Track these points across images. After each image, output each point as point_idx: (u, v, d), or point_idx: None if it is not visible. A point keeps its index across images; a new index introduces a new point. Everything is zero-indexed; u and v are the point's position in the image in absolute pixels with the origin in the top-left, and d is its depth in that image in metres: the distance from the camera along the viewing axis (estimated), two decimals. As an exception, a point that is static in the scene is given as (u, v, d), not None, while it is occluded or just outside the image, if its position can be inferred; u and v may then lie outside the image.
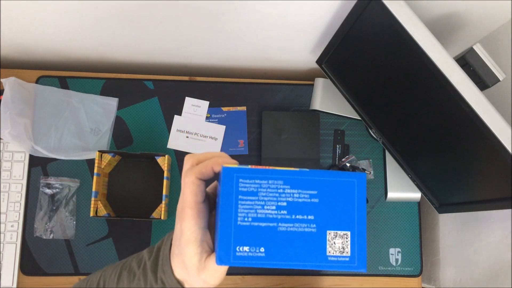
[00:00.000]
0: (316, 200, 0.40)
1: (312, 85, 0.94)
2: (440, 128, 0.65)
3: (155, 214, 0.83)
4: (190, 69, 1.00)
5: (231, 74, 1.02)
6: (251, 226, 0.40)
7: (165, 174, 0.83)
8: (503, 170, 0.58)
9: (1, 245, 0.84)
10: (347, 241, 0.40)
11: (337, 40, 0.73)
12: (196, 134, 0.91)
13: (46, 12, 0.73)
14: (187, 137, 0.90)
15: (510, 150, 0.55)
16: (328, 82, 0.87)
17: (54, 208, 0.86)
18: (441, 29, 0.73)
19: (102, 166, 0.83)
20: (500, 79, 0.60)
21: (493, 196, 0.63)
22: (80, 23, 0.77)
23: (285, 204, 0.40)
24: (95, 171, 0.81)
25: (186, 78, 0.95)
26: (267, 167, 0.41)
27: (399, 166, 0.82)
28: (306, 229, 0.39)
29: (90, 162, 0.88)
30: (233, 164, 0.43)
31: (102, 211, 0.82)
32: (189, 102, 0.92)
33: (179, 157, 0.90)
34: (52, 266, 0.85)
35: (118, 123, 0.91)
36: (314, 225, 0.40)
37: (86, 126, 0.89)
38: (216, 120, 0.92)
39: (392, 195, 0.90)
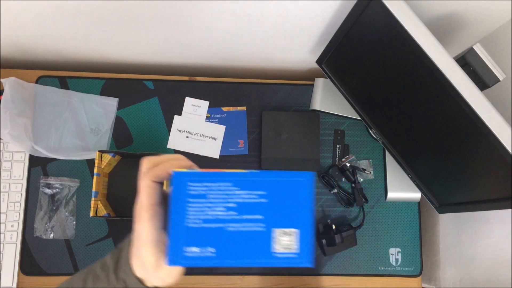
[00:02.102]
0: (265, 200, 0.41)
1: (312, 85, 0.94)
2: (440, 128, 0.65)
3: (155, 214, 0.83)
4: (190, 69, 1.00)
5: (231, 74, 1.02)
6: (200, 228, 0.41)
7: (165, 174, 0.83)
8: (503, 170, 0.58)
9: (1, 245, 0.84)
10: (294, 239, 0.41)
11: (337, 40, 0.73)
12: (196, 134, 0.91)
13: (46, 12, 0.73)
14: (187, 137, 0.90)
15: (510, 150, 0.55)
16: (328, 82, 0.87)
17: (54, 208, 0.86)
18: (441, 29, 0.73)
19: (102, 166, 0.83)
20: (500, 79, 0.60)
21: (493, 196, 0.63)
22: (80, 23, 0.77)
23: (234, 205, 0.41)
24: (95, 171, 0.81)
25: (186, 78, 0.95)
26: (217, 170, 0.42)
27: (399, 166, 0.82)
28: (254, 228, 0.41)
29: (90, 162, 0.88)
30: (190, 167, 0.44)
31: (102, 211, 0.82)
32: (189, 102, 0.92)
33: (179, 157, 0.90)
34: (52, 266, 0.85)
35: (118, 123, 0.91)
36: (263, 224, 0.41)
37: (86, 126, 0.89)
38: (216, 120, 0.92)
39: (392, 195, 0.90)
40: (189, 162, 0.45)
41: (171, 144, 0.90)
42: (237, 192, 0.41)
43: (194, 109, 0.91)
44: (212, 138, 0.91)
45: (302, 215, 0.42)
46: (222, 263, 0.41)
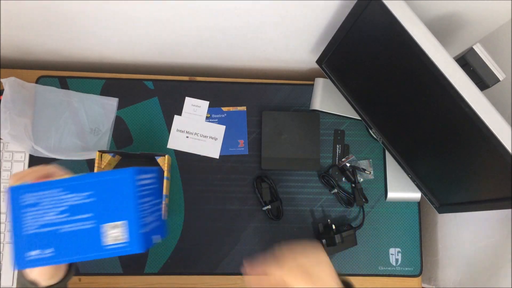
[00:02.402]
0: (93, 199, 0.47)
1: (312, 85, 0.94)
2: (440, 128, 0.65)
3: (155, 214, 0.83)
4: (190, 69, 1.00)
5: (231, 74, 1.02)
6: (37, 233, 0.47)
7: (165, 174, 0.83)
8: (503, 170, 0.58)
9: (1, 245, 0.84)
10: (123, 230, 0.47)
11: (337, 40, 0.73)
12: (196, 134, 0.91)
13: (46, 12, 0.73)
14: (187, 137, 0.90)
15: (510, 150, 0.55)
16: (328, 82, 0.87)
17: (54, 208, 0.86)
18: (441, 29, 0.73)
19: (102, 166, 0.83)
20: (500, 79, 0.60)
21: (493, 196, 0.63)
22: (80, 23, 0.77)
23: (66, 208, 0.47)
24: (95, 171, 0.81)
25: (186, 78, 0.95)
26: (48, 179, 0.49)
27: (399, 166, 0.82)
28: (85, 226, 0.47)
29: (90, 162, 0.88)
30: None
31: (102, 211, 0.82)
32: (189, 102, 0.92)
33: (179, 157, 0.90)
34: (52, 266, 0.85)
35: (118, 123, 0.91)
36: (93, 221, 0.47)
37: (86, 126, 0.89)
38: (216, 120, 0.92)
39: (392, 195, 0.90)
40: (51, 170, 0.51)
41: (171, 144, 0.90)
42: (67, 196, 0.47)
43: (194, 109, 0.91)
44: (212, 138, 0.91)
45: (127, 208, 0.47)
46: (61, 260, 0.48)
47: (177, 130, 0.90)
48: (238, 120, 0.92)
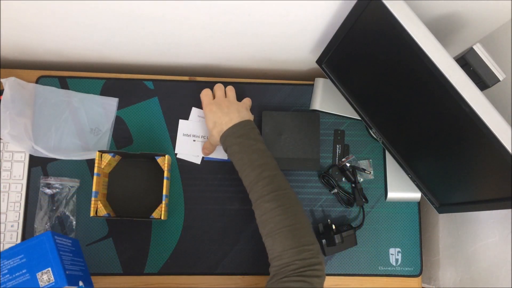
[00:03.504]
0: (24, 260, 0.68)
1: (312, 85, 0.94)
2: (440, 128, 0.65)
3: (155, 214, 0.83)
4: (190, 69, 1.00)
5: (231, 74, 1.02)
6: None
7: (165, 174, 0.83)
8: (503, 170, 0.58)
9: (1, 245, 0.84)
10: (50, 273, 0.68)
11: (337, 40, 0.73)
12: (203, 137, 0.91)
13: (46, 12, 0.73)
14: (194, 140, 0.90)
15: (510, 150, 0.55)
16: (328, 82, 0.87)
17: (54, 208, 0.86)
18: (441, 29, 0.73)
19: (102, 166, 0.83)
20: (500, 79, 0.60)
21: (493, 196, 0.63)
22: (80, 23, 0.77)
23: (7, 271, 0.67)
24: (95, 171, 0.81)
25: (186, 78, 0.95)
26: None
27: (399, 166, 0.82)
28: (24, 279, 0.67)
29: (90, 162, 0.88)
30: None
31: (102, 211, 0.82)
32: (195, 113, 0.92)
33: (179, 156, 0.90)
34: (52, 266, 0.85)
35: (118, 123, 0.91)
36: (28, 274, 0.67)
37: (86, 126, 0.89)
38: None
39: (392, 195, 0.90)
40: None
41: (178, 149, 0.90)
42: (6, 262, 0.68)
43: (200, 119, 0.91)
44: None
45: (50, 259, 0.68)
46: None
47: (184, 135, 0.90)
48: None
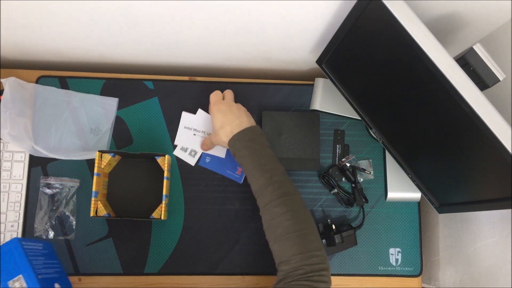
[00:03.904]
0: None
1: (312, 85, 0.94)
2: (440, 128, 0.65)
3: (155, 214, 0.83)
4: (190, 69, 1.00)
5: (231, 74, 1.02)
6: None
7: (165, 174, 0.83)
8: (503, 170, 0.58)
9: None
10: (22, 280, 0.69)
11: (337, 40, 0.73)
12: (203, 132, 0.91)
13: (46, 12, 0.73)
14: (194, 134, 0.90)
15: (510, 150, 0.55)
16: (328, 82, 0.87)
17: (54, 208, 0.86)
18: (441, 29, 0.73)
19: (102, 166, 0.83)
20: (500, 79, 0.60)
21: (493, 196, 0.63)
22: (80, 23, 0.77)
23: None
24: (95, 171, 0.81)
25: (186, 78, 0.95)
26: None
27: (399, 166, 0.82)
28: None
29: (90, 162, 0.88)
30: None
31: (102, 211, 0.82)
32: (199, 113, 0.92)
33: (179, 157, 0.90)
34: (52, 266, 0.85)
35: (118, 123, 0.91)
36: (1, 283, 0.68)
37: (86, 126, 0.89)
38: None
39: (392, 195, 0.90)
40: None
41: (178, 141, 0.90)
42: None
43: (202, 116, 0.92)
44: None
45: (20, 266, 0.69)
46: None
47: (185, 127, 0.90)
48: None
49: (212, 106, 0.81)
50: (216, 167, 0.90)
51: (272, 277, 0.88)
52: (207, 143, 0.86)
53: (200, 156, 0.90)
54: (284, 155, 0.90)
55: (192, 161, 0.90)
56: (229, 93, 0.84)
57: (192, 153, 0.90)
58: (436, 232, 0.95)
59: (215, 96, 0.82)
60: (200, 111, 0.92)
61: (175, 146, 0.90)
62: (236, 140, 0.75)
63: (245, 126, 0.76)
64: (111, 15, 0.73)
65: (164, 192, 0.83)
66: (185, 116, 0.91)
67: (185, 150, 0.90)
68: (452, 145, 0.65)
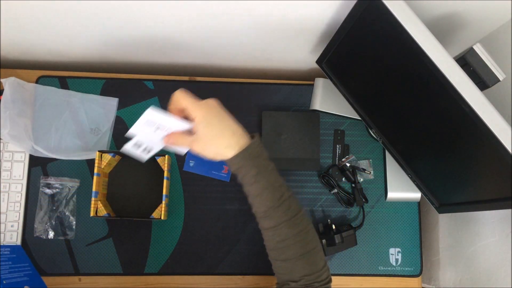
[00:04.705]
0: None
1: (312, 85, 0.94)
2: (440, 128, 0.65)
3: (155, 214, 0.83)
4: (190, 69, 1.00)
5: (231, 74, 1.02)
6: None
7: (165, 174, 0.83)
8: (503, 170, 0.58)
9: (1, 244, 0.84)
10: None
11: (337, 40, 0.73)
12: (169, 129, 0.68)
13: (46, 12, 0.73)
14: (156, 131, 0.69)
15: (510, 150, 0.55)
16: (328, 82, 0.87)
17: (54, 208, 0.86)
18: (441, 29, 0.73)
19: (102, 166, 0.83)
20: (500, 79, 0.60)
21: (493, 196, 0.63)
22: (80, 23, 0.77)
23: None
24: (95, 171, 0.81)
25: (186, 78, 0.95)
26: None
27: (399, 166, 0.82)
28: None
29: (90, 162, 0.88)
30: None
31: (102, 211, 0.82)
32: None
33: (179, 157, 0.90)
34: (52, 266, 0.85)
35: (118, 123, 0.91)
36: None
37: (86, 126, 0.89)
38: None
39: (392, 195, 0.90)
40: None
41: (133, 134, 0.69)
42: None
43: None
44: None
45: None
46: None
47: (147, 122, 0.68)
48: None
49: (194, 108, 0.63)
50: (201, 169, 0.89)
51: (272, 277, 0.88)
52: (178, 141, 0.67)
53: (184, 161, 0.89)
54: (284, 155, 0.90)
55: (143, 158, 0.74)
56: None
57: (146, 151, 0.73)
58: (436, 232, 0.95)
59: (186, 95, 0.65)
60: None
61: (126, 140, 0.71)
62: (241, 160, 0.62)
63: (247, 137, 0.64)
64: (111, 15, 0.73)
65: (164, 192, 0.83)
66: (152, 112, 0.67)
67: (139, 146, 0.72)
68: (452, 145, 0.65)
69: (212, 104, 0.64)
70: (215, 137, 0.62)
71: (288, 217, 0.63)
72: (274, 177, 0.64)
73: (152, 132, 0.70)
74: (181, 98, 0.65)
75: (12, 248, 0.79)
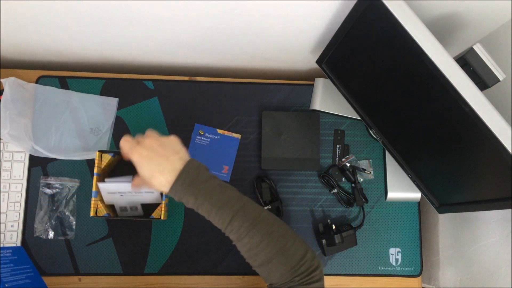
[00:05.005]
0: None
1: (312, 85, 0.94)
2: (440, 128, 0.65)
3: (155, 214, 0.83)
4: (190, 69, 1.00)
5: (231, 74, 1.02)
6: None
7: (165, 174, 0.83)
8: (503, 170, 0.58)
9: (1, 245, 0.84)
10: None
11: (337, 40, 0.73)
12: (130, 193, 0.80)
13: (46, 12, 0.73)
14: (122, 195, 0.81)
15: (510, 150, 0.55)
16: (328, 82, 0.87)
17: (54, 208, 0.86)
18: (441, 29, 0.73)
19: (102, 166, 0.83)
20: (500, 79, 0.60)
21: (493, 196, 0.63)
22: (80, 23, 0.77)
23: None
24: (95, 171, 0.81)
25: (186, 78, 0.95)
26: None
27: (399, 166, 0.82)
28: None
29: (90, 162, 0.88)
30: None
31: (102, 211, 0.82)
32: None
33: (179, 157, 0.90)
34: (52, 266, 0.85)
35: (118, 123, 0.91)
36: None
37: (86, 126, 0.89)
38: (208, 140, 0.91)
39: (392, 195, 0.90)
40: None
41: (109, 203, 0.82)
42: None
43: (121, 182, 0.79)
44: (149, 192, 0.81)
45: None
46: None
47: (109, 193, 0.79)
48: (230, 146, 0.91)
49: (130, 155, 0.66)
50: None
51: (272, 277, 0.88)
52: (139, 184, 0.72)
53: None
54: (284, 155, 0.90)
55: (138, 214, 0.84)
56: (149, 131, 0.69)
57: (133, 208, 0.83)
58: (436, 232, 0.95)
59: (125, 142, 0.67)
60: (111, 180, 0.80)
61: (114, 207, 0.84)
62: (177, 191, 0.64)
63: (179, 167, 0.64)
64: (111, 15, 0.73)
65: (164, 192, 0.83)
66: (104, 186, 0.79)
67: (125, 209, 0.83)
68: (452, 145, 0.65)
69: (145, 144, 0.66)
70: (150, 177, 0.65)
71: (246, 227, 0.63)
72: (217, 196, 0.64)
73: (120, 198, 0.80)
74: (122, 146, 0.68)
75: (14, 249, 0.79)
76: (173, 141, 0.67)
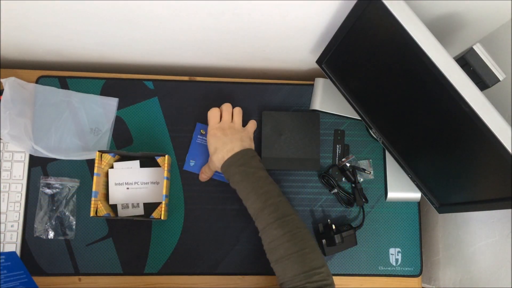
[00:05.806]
0: None
1: (312, 85, 0.94)
2: (440, 128, 0.65)
3: (155, 214, 0.83)
4: (190, 69, 1.00)
5: (231, 74, 1.02)
6: None
7: (165, 174, 0.83)
8: (503, 170, 0.58)
9: (1, 245, 0.84)
10: None
11: (337, 40, 0.73)
12: (137, 183, 0.86)
13: (46, 12, 0.73)
14: (128, 188, 0.86)
15: (510, 150, 0.55)
16: (328, 82, 0.87)
17: (54, 208, 0.86)
18: (441, 29, 0.73)
19: (102, 166, 0.83)
20: (500, 79, 0.60)
21: (493, 196, 0.63)
22: (80, 23, 0.77)
23: None
24: (95, 171, 0.81)
25: (186, 78, 0.95)
26: None
27: (399, 166, 0.82)
28: None
29: (90, 162, 0.88)
30: None
31: (102, 211, 0.82)
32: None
33: (179, 157, 0.90)
34: (52, 266, 0.85)
35: (118, 123, 0.91)
36: None
37: (86, 126, 0.89)
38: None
39: (392, 195, 0.90)
40: None
41: (115, 200, 0.85)
42: None
43: (130, 166, 0.86)
44: (154, 183, 0.87)
45: None
46: None
47: (116, 184, 0.83)
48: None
49: (208, 131, 0.81)
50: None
51: (272, 277, 0.88)
52: (205, 171, 0.85)
53: (184, 160, 0.90)
54: (284, 155, 0.90)
55: (139, 212, 0.86)
56: (237, 115, 0.83)
57: (135, 205, 0.86)
58: (436, 232, 0.95)
59: (213, 118, 0.81)
60: (120, 163, 0.86)
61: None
62: (228, 166, 0.75)
63: (237, 150, 0.76)
64: (111, 15, 0.73)
65: (164, 192, 0.83)
66: (113, 173, 0.85)
67: (126, 206, 0.85)
68: (452, 145, 0.65)
69: (222, 127, 0.80)
70: (212, 152, 0.79)
71: (274, 218, 0.68)
72: (260, 183, 0.72)
73: (125, 190, 0.84)
74: (210, 118, 0.83)
75: (7, 255, 0.79)
76: (245, 133, 0.81)
